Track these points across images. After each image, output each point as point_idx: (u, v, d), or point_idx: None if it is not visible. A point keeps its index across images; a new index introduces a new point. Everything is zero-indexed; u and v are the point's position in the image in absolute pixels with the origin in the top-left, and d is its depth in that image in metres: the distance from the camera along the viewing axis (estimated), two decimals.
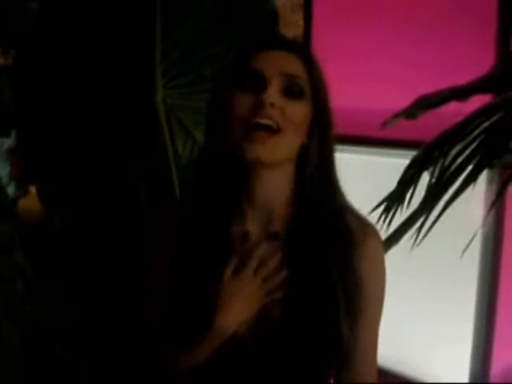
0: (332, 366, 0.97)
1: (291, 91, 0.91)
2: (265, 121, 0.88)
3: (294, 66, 0.93)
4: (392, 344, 1.48)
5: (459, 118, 1.39)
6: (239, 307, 0.89)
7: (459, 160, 1.35)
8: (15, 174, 2.48)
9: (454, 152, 1.36)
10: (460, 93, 1.52)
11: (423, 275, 1.91)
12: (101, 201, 1.93)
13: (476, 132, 1.34)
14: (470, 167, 1.33)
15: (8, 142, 2.46)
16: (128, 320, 1.60)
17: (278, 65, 0.91)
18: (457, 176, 1.35)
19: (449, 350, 1.90)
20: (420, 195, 1.39)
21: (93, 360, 1.90)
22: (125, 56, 1.87)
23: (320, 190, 0.95)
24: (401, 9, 1.98)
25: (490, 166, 1.45)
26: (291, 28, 2.23)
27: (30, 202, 2.29)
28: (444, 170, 1.36)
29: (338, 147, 0.97)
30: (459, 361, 1.87)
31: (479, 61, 1.63)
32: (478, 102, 1.45)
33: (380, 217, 1.41)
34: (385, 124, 1.62)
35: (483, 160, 1.32)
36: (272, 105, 0.88)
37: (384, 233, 1.35)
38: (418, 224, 1.37)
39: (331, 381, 0.99)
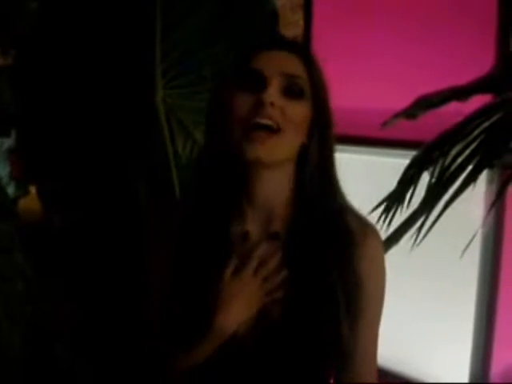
0: (332, 366, 0.97)
1: (291, 91, 0.91)
2: (265, 121, 0.88)
3: (294, 65, 0.92)
4: (392, 344, 1.48)
5: (459, 118, 1.39)
6: (239, 307, 0.89)
7: (459, 160, 1.35)
8: (15, 174, 2.48)
9: (454, 152, 1.36)
10: (460, 93, 1.52)
11: (423, 275, 1.91)
12: (101, 201, 1.93)
13: (476, 132, 1.34)
14: (470, 167, 1.33)
15: (8, 142, 2.46)
16: (128, 320, 1.60)
17: (277, 65, 0.91)
18: (457, 176, 1.35)
19: (449, 350, 1.90)
20: (420, 195, 1.39)
21: (93, 360, 1.90)
22: (125, 56, 1.87)
23: (320, 190, 0.95)
24: (401, 9, 1.98)
25: (490, 166, 1.45)
26: (291, 28, 2.23)
27: (30, 202, 2.29)
28: (444, 170, 1.36)
29: (338, 147, 0.97)
30: (459, 361, 1.87)
31: (479, 61, 1.63)
32: (478, 101, 1.45)
33: (380, 217, 1.41)
34: (385, 124, 1.62)
35: (483, 160, 1.32)
36: (272, 105, 0.88)
37: (384, 233, 1.35)
38: (418, 224, 1.37)
39: (331, 381, 0.99)
